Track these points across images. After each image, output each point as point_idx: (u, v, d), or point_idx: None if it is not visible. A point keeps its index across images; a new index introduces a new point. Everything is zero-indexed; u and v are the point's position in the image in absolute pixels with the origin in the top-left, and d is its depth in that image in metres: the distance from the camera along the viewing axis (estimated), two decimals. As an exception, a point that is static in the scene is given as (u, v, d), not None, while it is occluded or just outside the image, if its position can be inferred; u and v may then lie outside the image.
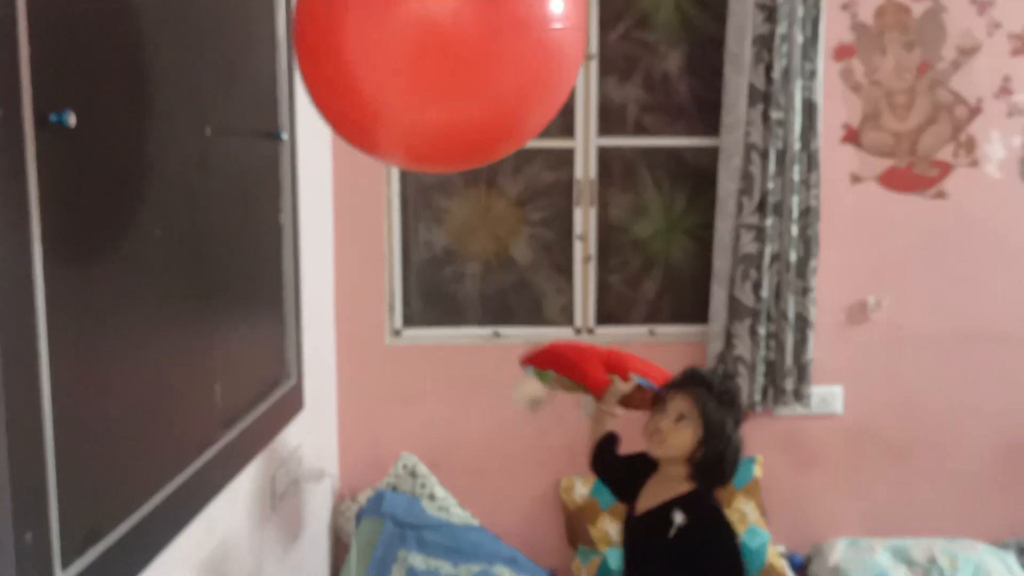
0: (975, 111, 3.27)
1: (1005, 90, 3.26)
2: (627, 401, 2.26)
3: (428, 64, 1.24)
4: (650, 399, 2.15)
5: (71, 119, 1.27)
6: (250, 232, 2.21)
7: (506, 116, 1.34)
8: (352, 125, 1.40)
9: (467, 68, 1.24)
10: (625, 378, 2.22)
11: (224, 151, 1.96)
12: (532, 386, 2.34)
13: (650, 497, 2.05)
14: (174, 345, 1.72)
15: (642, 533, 2.06)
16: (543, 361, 2.34)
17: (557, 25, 1.27)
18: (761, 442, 3.35)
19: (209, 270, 1.88)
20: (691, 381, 2.04)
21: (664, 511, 1.99)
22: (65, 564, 1.32)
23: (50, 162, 1.24)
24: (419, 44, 1.22)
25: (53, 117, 1.25)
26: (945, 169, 3.29)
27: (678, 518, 1.96)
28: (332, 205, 3.20)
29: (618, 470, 2.25)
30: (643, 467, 2.12)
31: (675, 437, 1.98)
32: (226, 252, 1.99)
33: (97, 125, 1.38)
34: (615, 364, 2.25)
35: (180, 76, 1.73)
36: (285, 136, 2.41)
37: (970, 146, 3.28)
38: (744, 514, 3.21)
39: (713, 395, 2.00)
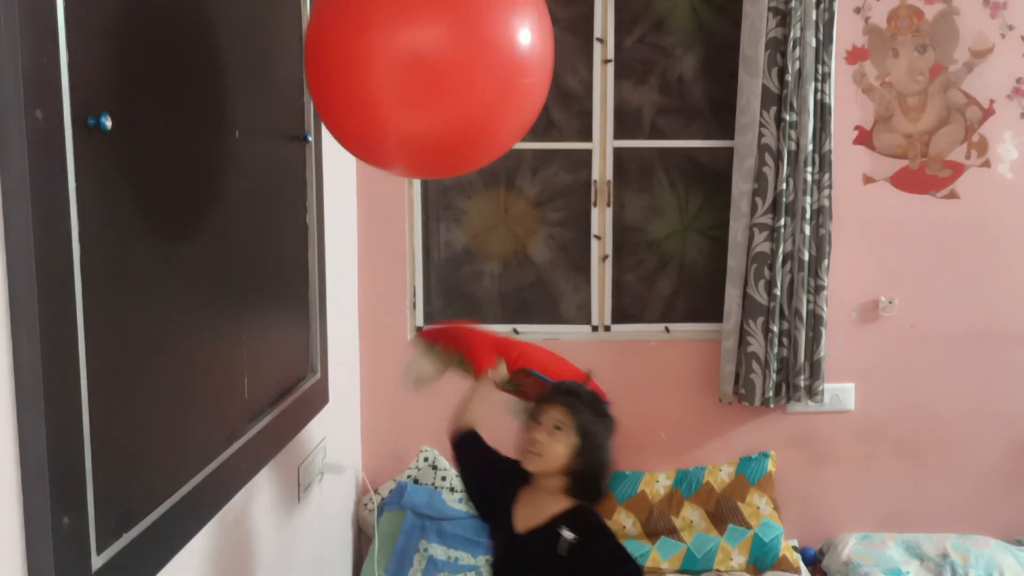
0: (988, 112, 3.30)
1: (1018, 91, 3.29)
2: (520, 390, 2.16)
3: (416, 79, 1.51)
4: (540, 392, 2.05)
5: (108, 122, 1.33)
6: (277, 231, 2.29)
7: (479, 126, 1.61)
8: (355, 134, 1.66)
9: (446, 84, 1.52)
10: (515, 366, 2.10)
11: (252, 153, 2.03)
12: (420, 363, 2.22)
13: (530, 514, 1.94)
14: (203, 339, 1.78)
15: (527, 551, 1.94)
16: (436, 336, 2.25)
17: (527, 80, 1.57)
18: (774, 438, 3.42)
19: (237, 268, 1.95)
20: (562, 392, 1.96)
21: (550, 528, 1.89)
22: (100, 548, 1.36)
23: (87, 163, 1.29)
24: (409, 64, 1.51)
25: (91, 120, 1.30)
26: (958, 170, 3.33)
27: (567, 534, 1.86)
28: (356, 206, 3.29)
29: (484, 470, 2.09)
30: (510, 478, 2.00)
31: (551, 448, 1.88)
32: (254, 250, 2.07)
33: (132, 128, 1.44)
34: (508, 350, 2.16)
35: (210, 81, 1.80)
36: (311, 138, 2.49)
37: (982, 147, 3.32)
38: (757, 508, 3.27)
39: (586, 405, 1.93)
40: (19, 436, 1.21)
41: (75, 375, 1.28)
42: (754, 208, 3.20)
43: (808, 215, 3.17)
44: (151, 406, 1.55)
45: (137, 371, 1.50)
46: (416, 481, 3.28)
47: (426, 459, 3.31)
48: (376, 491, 3.26)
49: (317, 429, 2.68)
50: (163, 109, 1.58)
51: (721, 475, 3.34)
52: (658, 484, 3.34)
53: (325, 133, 2.63)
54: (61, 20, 1.23)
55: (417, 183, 3.35)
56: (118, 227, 1.42)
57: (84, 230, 1.29)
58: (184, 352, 1.69)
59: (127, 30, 1.44)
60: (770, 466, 3.35)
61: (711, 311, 3.42)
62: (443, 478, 3.28)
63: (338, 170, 2.97)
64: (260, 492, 2.20)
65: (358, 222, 3.30)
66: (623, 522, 3.27)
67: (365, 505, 3.26)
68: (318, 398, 2.64)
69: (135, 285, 1.49)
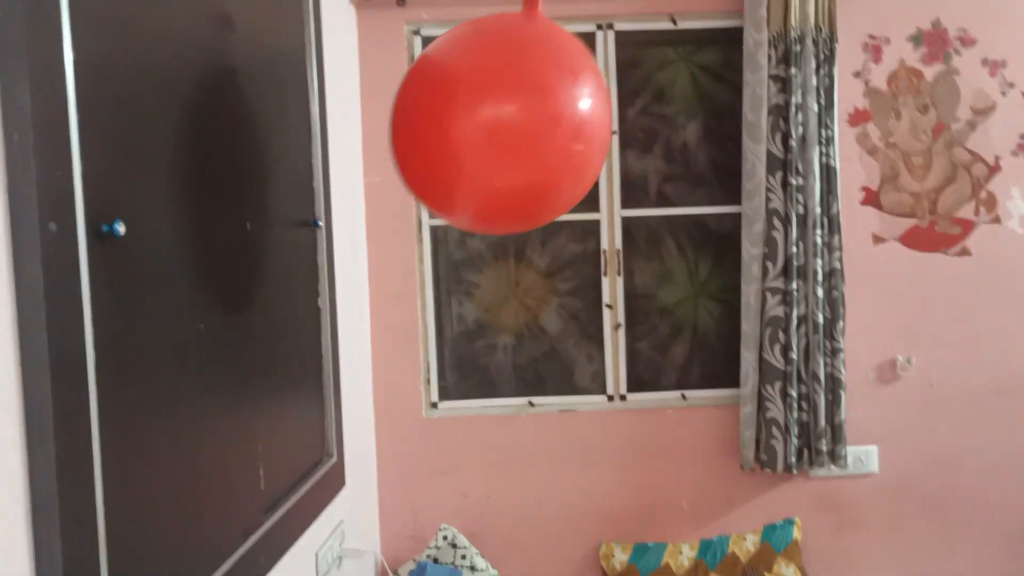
0: (994, 169, 3.31)
1: (1023, 147, 3.30)
2: None
3: (496, 143, 1.73)
4: None
5: (121, 228, 1.35)
6: (289, 316, 2.30)
7: (544, 187, 1.81)
8: (436, 189, 1.85)
9: (518, 149, 1.74)
10: None
11: (264, 242, 2.05)
12: None
13: None
14: (219, 436, 1.78)
15: None
16: None
17: (578, 147, 1.77)
18: (798, 504, 3.36)
19: (251, 359, 1.96)
20: None
21: None
22: (116, 654, 1.34)
23: (102, 270, 1.31)
24: (491, 130, 1.74)
25: (104, 227, 1.32)
26: (967, 227, 3.33)
27: None
28: (368, 285, 3.30)
29: None
30: None
31: None
32: (267, 338, 2.07)
33: (145, 231, 1.46)
34: None
35: (222, 178, 1.83)
36: (322, 223, 2.51)
37: (991, 203, 3.32)
38: (785, 577, 3.20)
39: None
40: (34, 545, 1.20)
41: (90, 485, 1.28)
42: (765, 272, 3.19)
43: (820, 277, 3.17)
44: (167, 509, 1.54)
45: (152, 474, 1.49)
46: (436, 560, 3.23)
47: (445, 537, 3.27)
48: (396, 572, 3.21)
49: (334, 513, 2.65)
50: (175, 209, 1.60)
51: (746, 544, 3.28)
52: (682, 556, 3.28)
53: (335, 216, 2.66)
54: (75, 133, 1.25)
55: (428, 259, 3.37)
56: (132, 331, 1.43)
57: (99, 337, 1.30)
58: (200, 451, 1.68)
59: (140, 136, 1.47)
60: (796, 533, 3.29)
61: (727, 376, 3.39)
62: (463, 556, 3.23)
63: (349, 251, 3.00)
64: (278, 583, 2.17)
65: (371, 301, 3.31)
66: (648, 596, 3.20)
67: (385, 587, 3.21)
68: (335, 482, 2.61)
69: (149, 388, 1.49)
